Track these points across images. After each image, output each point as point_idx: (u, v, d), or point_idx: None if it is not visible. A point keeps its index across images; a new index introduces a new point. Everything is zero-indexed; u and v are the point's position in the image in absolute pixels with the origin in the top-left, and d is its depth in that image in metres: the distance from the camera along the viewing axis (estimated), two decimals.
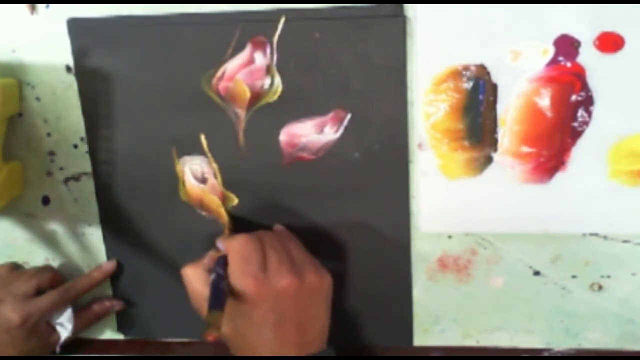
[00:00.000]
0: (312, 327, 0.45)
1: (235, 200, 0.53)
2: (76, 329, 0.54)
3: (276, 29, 0.47)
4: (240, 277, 0.43)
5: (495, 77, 0.46)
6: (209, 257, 0.47)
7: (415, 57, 0.47)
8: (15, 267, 0.56)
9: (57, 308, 0.52)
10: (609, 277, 0.51)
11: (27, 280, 0.52)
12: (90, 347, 0.59)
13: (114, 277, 0.57)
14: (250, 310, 0.43)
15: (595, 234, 0.49)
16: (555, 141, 0.47)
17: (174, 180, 0.53)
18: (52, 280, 0.54)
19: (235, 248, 0.45)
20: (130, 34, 0.49)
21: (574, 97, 0.46)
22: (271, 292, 0.43)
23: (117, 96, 0.51)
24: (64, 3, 0.49)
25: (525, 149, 0.48)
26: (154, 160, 0.52)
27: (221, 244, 0.47)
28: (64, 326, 0.53)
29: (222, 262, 0.45)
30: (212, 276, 0.44)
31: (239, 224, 0.53)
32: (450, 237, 0.51)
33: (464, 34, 0.46)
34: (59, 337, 0.53)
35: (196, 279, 0.46)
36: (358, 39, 0.47)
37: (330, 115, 0.49)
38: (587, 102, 0.46)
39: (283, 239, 0.48)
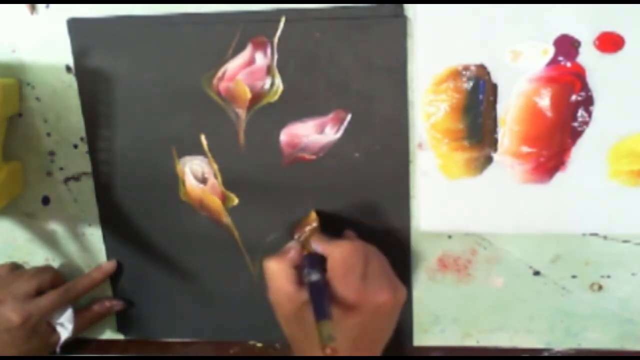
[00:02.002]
0: (382, 342, 0.45)
1: (235, 201, 0.53)
2: (76, 329, 0.54)
3: (277, 29, 0.47)
4: (340, 286, 0.42)
5: (495, 77, 0.46)
6: (296, 252, 0.45)
7: (415, 57, 0.47)
8: (15, 267, 0.56)
9: (58, 308, 0.52)
10: (609, 277, 0.51)
11: (28, 281, 0.52)
12: (90, 347, 0.59)
13: (114, 277, 0.57)
14: (340, 319, 0.42)
15: (595, 234, 0.50)
16: (555, 141, 0.47)
17: (174, 180, 0.53)
18: (52, 280, 0.54)
19: (339, 255, 0.44)
20: (130, 34, 0.49)
21: (574, 97, 0.46)
22: (368, 306, 0.42)
23: (117, 96, 0.51)
24: (64, 3, 0.49)
25: (525, 149, 0.48)
26: (154, 160, 0.52)
27: (319, 245, 0.46)
28: (65, 326, 0.53)
29: (318, 264, 0.44)
30: (313, 278, 0.42)
31: (240, 223, 0.53)
32: (450, 237, 0.51)
33: (464, 34, 0.46)
34: (59, 337, 0.53)
35: (281, 274, 0.44)
36: (358, 39, 0.47)
37: (331, 115, 0.49)
38: (587, 102, 0.46)
39: (379, 252, 0.47)
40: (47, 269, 0.55)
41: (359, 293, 0.42)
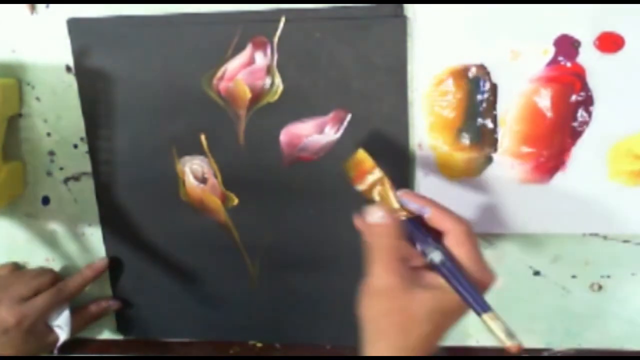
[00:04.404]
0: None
1: (235, 200, 0.53)
2: (74, 329, 0.54)
3: (277, 29, 0.47)
4: (464, 266, 0.38)
5: (495, 77, 0.46)
6: (396, 222, 0.39)
7: (415, 57, 0.47)
8: (16, 268, 0.56)
9: (52, 308, 0.53)
10: (609, 277, 0.51)
11: (26, 283, 0.52)
12: (90, 347, 0.59)
13: (114, 277, 0.57)
14: (444, 304, 0.37)
15: (595, 234, 0.49)
16: (555, 141, 0.47)
17: (174, 180, 0.53)
18: (51, 282, 0.54)
19: (464, 232, 0.38)
20: (130, 34, 0.49)
21: (574, 97, 0.46)
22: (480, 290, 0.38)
23: (117, 96, 0.51)
24: (64, 3, 0.49)
25: (525, 149, 0.48)
26: (154, 160, 0.52)
27: (428, 210, 0.40)
28: (62, 328, 0.53)
29: (431, 236, 0.39)
30: (437, 259, 0.38)
31: (240, 223, 0.53)
32: None
33: (464, 34, 0.46)
34: (57, 338, 0.53)
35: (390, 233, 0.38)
36: (358, 39, 0.47)
37: (331, 115, 0.49)
38: (587, 102, 0.46)
39: None
40: (47, 271, 0.55)
41: (479, 276, 0.38)
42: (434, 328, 0.37)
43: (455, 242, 0.38)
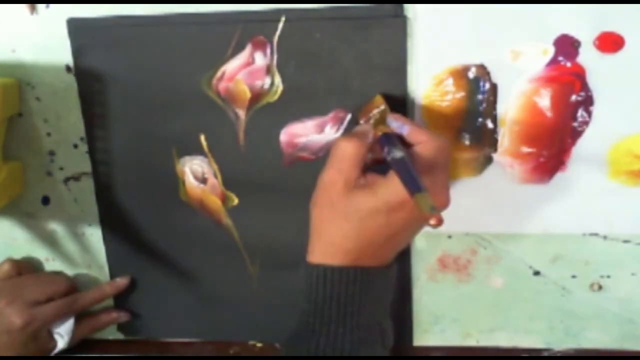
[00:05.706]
0: (400, 247, 0.44)
1: (235, 200, 0.53)
2: (80, 335, 0.54)
3: (276, 29, 0.47)
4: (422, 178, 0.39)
5: (495, 77, 0.46)
6: (371, 136, 0.42)
7: (415, 57, 0.47)
8: (28, 264, 0.56)
9: (61, 317, 0.53)
10: (609, 277, 0.51)
11: (42, 288, 0.53)
12: (91, 347, 0.59)
13: (114, 277, 0.57)
14: (394, 211, 0.40)
15: (595, 234, 0.49)
16: (555, 141, 0.47)
17: (174, 180, 0.53)
18: (65, 291, 0.54)
19: (435, 148, 0.41)
20: (130, 34, 0.49)
21: (574, 97, 0.46)
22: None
23: (117, 96, 0.51)
24: (64, 3, 0.49)
25: (525, 149, 0.48)
26: (154, 160, 0.52)
27: (407, 127, 0.42)
28: (62, 336, 0.53)
29: (399, 142, 0.41)
30: (398, 155, 0.39)
31: (240, 223, 0.53)
32: (450, 236, 0.51)
33: (464, 34, 0.46)
34: (55, 345, 0.53)
35: (353, 159, 0.41)
36: (358, 39, 0.47)
37: (331, 115, 0.49)
38: (587, 102, 0.46)
39: None
40: (62, 278, 0.55)
41: (433, 192, 0.39)
42: (353, 226, 0.41)
43: (425, 152, 0.41)
